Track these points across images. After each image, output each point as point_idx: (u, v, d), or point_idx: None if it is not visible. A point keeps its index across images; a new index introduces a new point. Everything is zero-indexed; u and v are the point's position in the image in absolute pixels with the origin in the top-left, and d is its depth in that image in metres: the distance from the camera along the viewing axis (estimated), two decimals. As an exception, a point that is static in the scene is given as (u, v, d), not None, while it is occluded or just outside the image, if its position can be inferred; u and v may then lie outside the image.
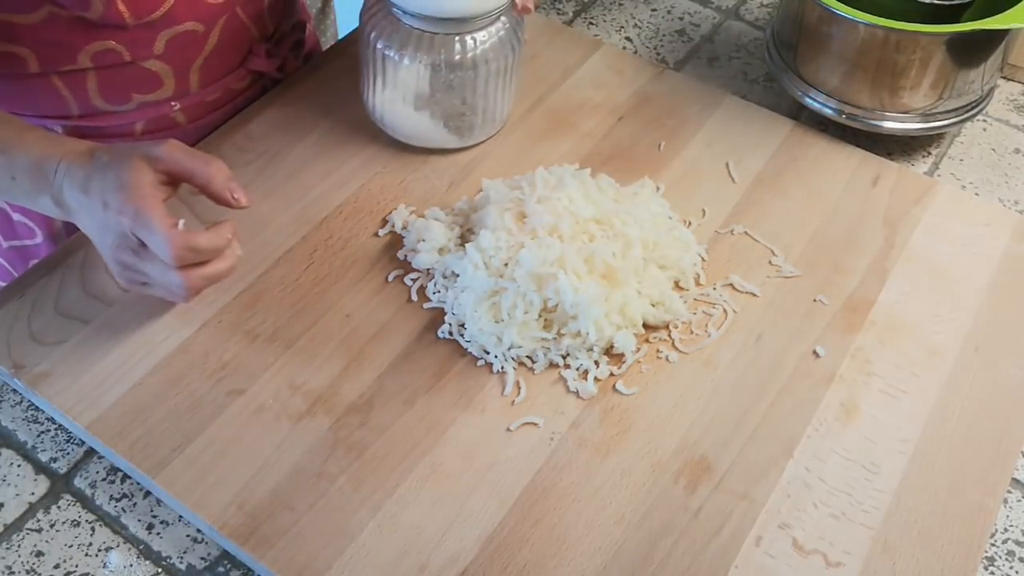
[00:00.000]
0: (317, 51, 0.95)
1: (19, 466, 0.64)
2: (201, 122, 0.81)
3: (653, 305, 0.68)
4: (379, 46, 0.74)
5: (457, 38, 0.73)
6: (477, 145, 0.80)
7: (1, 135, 0.64)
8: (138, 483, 0.63)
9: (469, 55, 0.73)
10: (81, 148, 0.63)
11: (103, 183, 0.60)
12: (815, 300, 0.71)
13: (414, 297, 0.70)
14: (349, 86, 0.84)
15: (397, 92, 0.76)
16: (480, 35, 0.73)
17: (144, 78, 0.75)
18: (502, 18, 0.74)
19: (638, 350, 0.67)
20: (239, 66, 0.82)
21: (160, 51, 0.74)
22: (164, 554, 0.60)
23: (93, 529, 0.61)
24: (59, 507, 0.62)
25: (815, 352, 0.68)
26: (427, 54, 0.73)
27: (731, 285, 0.71)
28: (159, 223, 0.59)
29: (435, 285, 0.70)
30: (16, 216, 0.82)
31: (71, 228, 0.83)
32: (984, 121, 0.88)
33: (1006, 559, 0.61)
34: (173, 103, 0.78)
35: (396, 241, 0.74)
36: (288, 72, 0.86)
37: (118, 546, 0.60)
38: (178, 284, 0.61)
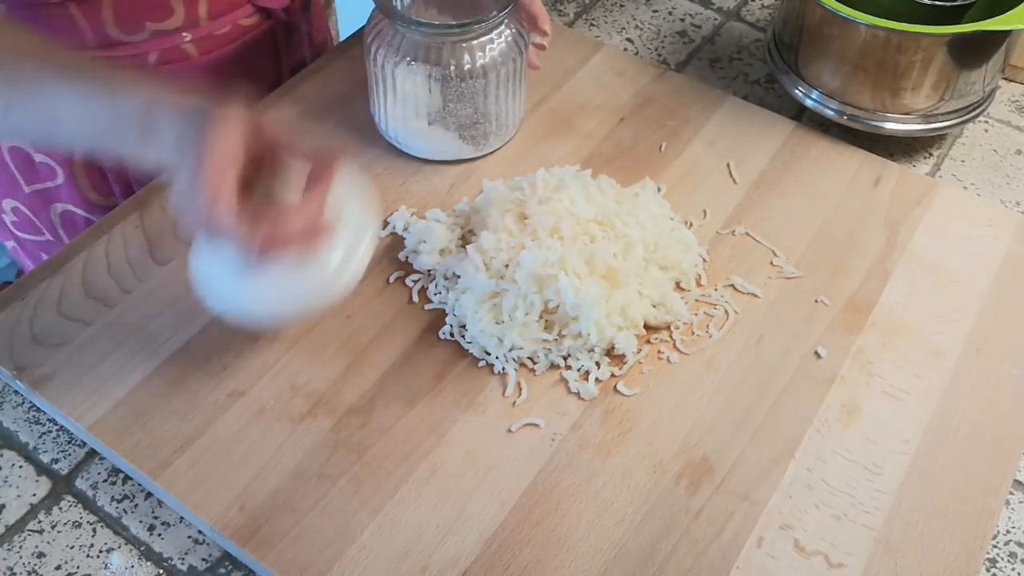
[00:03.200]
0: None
1: (21, 467, 0.64)
2: (213, 56, 0.82)
3: (654, 306, 0.68)
4: (387, 63, 0.74)
5: (464, 46, 0.73)
6: (492, 153, 0.80)
7: (99, 74, 0.57)
8: (139, 484, 0.63)
9: (478, 63, 0.73)
10: (183, 96, 0.56)
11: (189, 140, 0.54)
12: (816, 301, 0.71)
13: (415, 298, 0.70)
14: (350, 88, 0.84)
15: (409, 107, 0.76)
16: (487, 41, 0.73)
17: (156, 3, 0.76)
18: (507, 22, 0.74)
19: (639, 351, 0.67)
20: (246, 1, 0.82)
21: None
22: (165, 555, 0.60)
23: (94, 530, 0.61)
24: (60, 508, 0.62)
25: (817, 353, 0.68)
26: (436, 65, 0.73)
27: (732, 286, 0.71)
28: (228, 221, 0.53)
29: (436, 286, 0.70)
30: (39, 157, 0.83)
31: (92, 172, 0.83)
32: (985, 122, 0.88)
33: (1008, 560, 0.61)
34: (184, 34, 0.79)
35: (397, 242, 0.74)
36: (293, 15, 0.87)
37: (119, 547, 0.60)
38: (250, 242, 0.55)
